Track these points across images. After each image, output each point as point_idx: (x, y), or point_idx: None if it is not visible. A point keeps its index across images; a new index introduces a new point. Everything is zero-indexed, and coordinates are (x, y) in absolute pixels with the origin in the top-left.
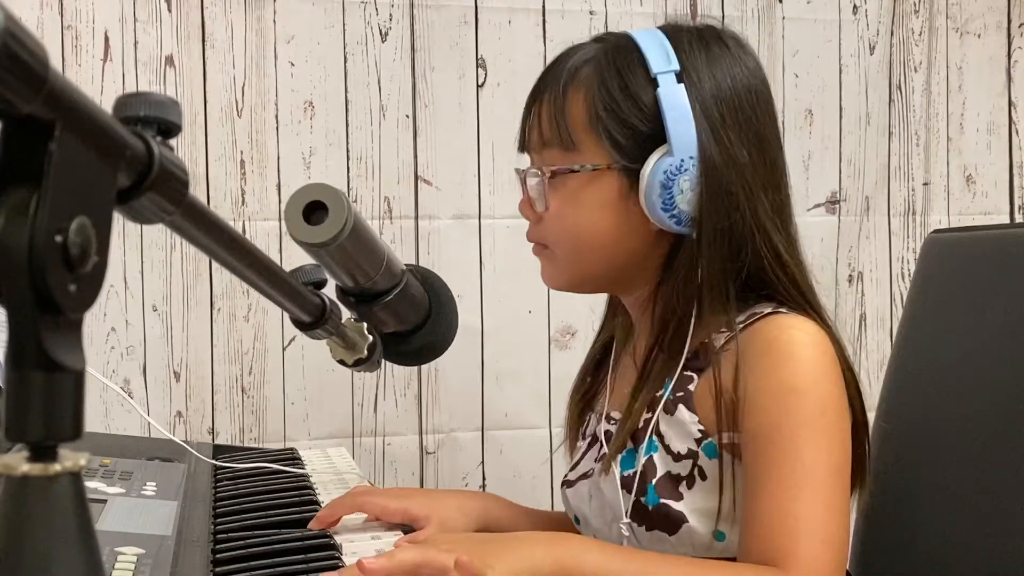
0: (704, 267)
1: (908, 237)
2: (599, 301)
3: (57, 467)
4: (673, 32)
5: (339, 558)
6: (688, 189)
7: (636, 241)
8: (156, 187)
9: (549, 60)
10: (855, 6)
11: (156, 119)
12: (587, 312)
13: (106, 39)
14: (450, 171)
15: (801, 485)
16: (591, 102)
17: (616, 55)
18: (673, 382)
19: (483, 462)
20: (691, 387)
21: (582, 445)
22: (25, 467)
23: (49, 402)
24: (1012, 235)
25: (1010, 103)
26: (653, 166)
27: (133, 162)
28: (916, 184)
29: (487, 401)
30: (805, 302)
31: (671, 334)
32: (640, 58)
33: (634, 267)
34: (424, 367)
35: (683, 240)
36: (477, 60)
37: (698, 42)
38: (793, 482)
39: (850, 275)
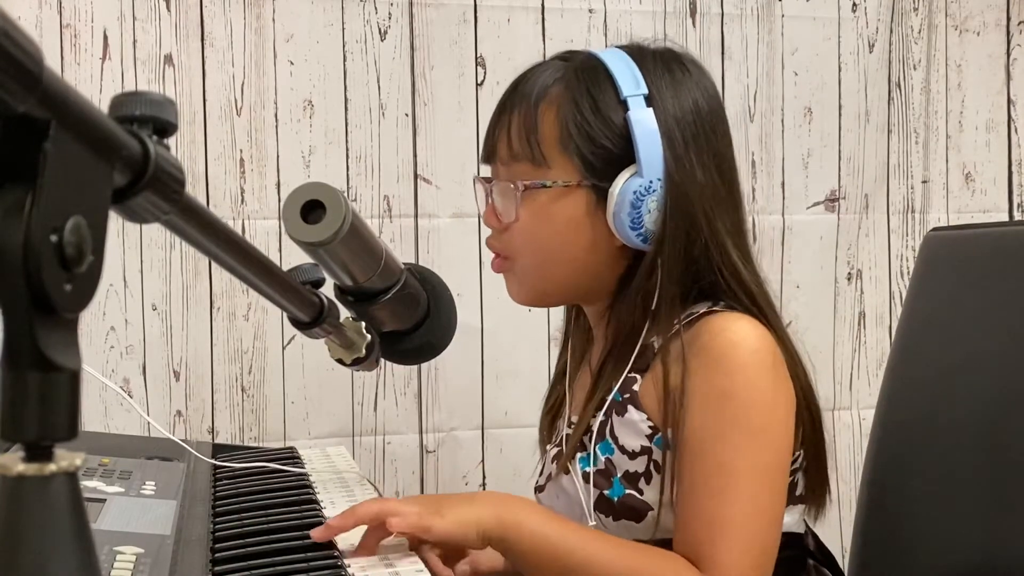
0: (662, 282)
1: (907, 235)
2: None
3: (53, 467)
4: (638, 54)
5: (338, 557)
6: (655, 209)
7: (599, 256)
8: (152, 186)
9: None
10: (854, 4)
11: (152, 118)
12: None
13: (105, 38)
14: (449, 170)
15: (729, 490)
16: (563, 120)
17: (586, 75)
18: (620, 384)
19: (483, 460)
20: (635, 387)
21: (551, 449)
22: (21, 467)
23: (45, 402)
24: (1011, 233)
25: (1009, 101)
26: (623, 186)
27: (129, 161)
28: (915, 182)
29: (487, 400)
30: (754, 304)
31: (623, 342)
32: (610, 80)
33: (595, 281)
34: (424, 366)
35: (643, 256)
36: (476, 58)
37: (662, 65)
38: (718, 486)
39: (849, 273)
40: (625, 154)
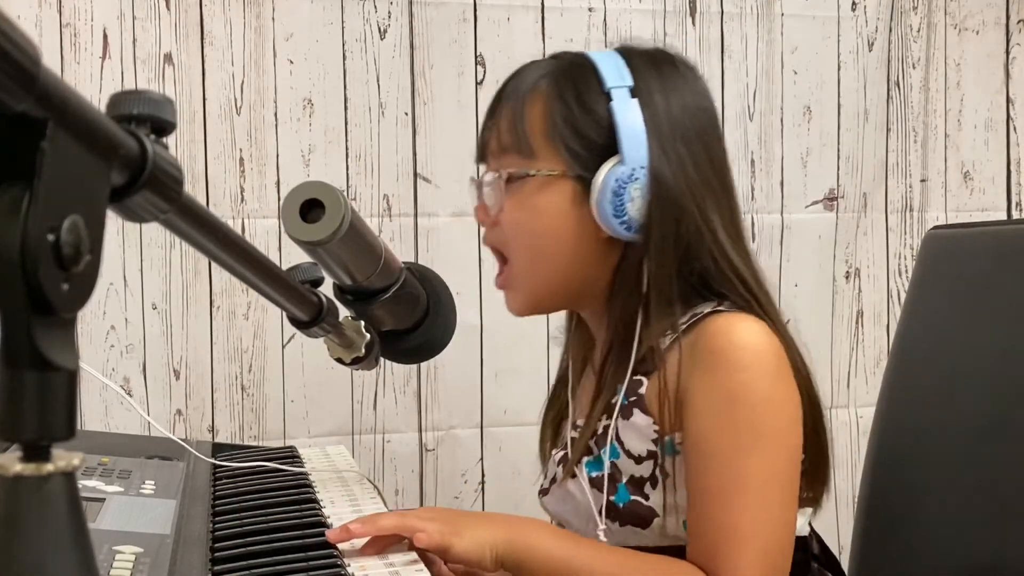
0: (651, 272)
1: (905, 233)
2: None
3: (50, 467)
4: (626, 52)
5: (338, 556)
6: (638, 197)
7: (587, 249)
8: (150, 185)
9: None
10: (854, 3)
11: (150, 117)
12: None
13: (105, 37)
14: (449, 168)
15: (736, 495)
16: (549, 113)
17: (573, 70)
18: (625, 387)
19: (482, 459)
20: (641, 390)
21: (556, 454)
22: (18, 467)
23: (42, 402)
24: (1010, 231)
25: (1008, 100)
26: (605, 175)
27: (127, 160)
28: (914, 181)
29: (486, 398)
30: (755, 301)
31: (621, 340)
32: (595, 73)
33: (587, 276)
34: (423, 364)
35: (632, 247)
36: (476, 57)
37: (651, 63)
38: (729, 492)
39: (847, 272)
40: (610, 145)
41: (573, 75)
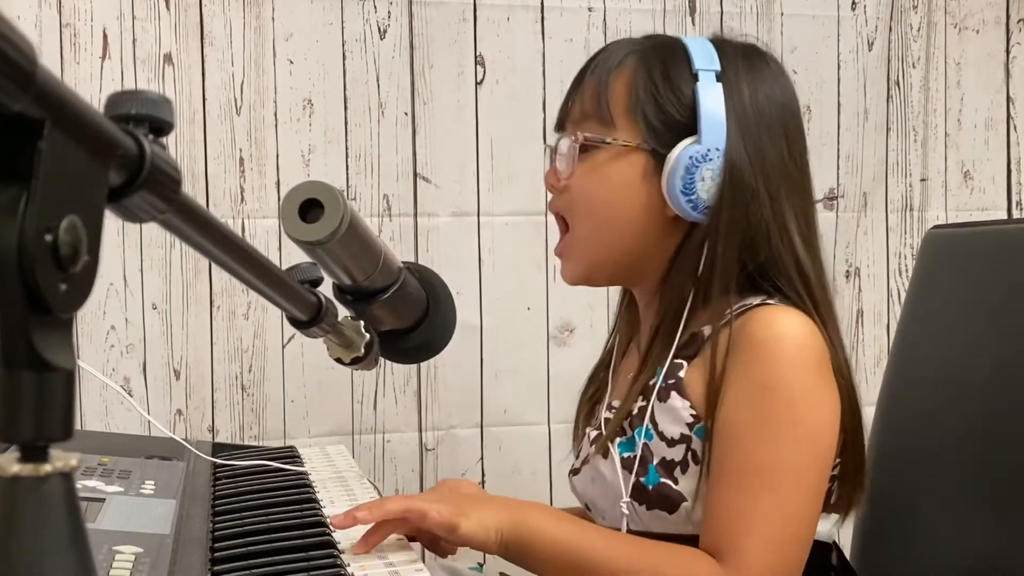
0: (715, 256)
1: (905, 233)
2: (598, 299)
3: (48, 467)
4: (719, 41)
5: (338, 556)
6: (710, 178)
7: (651, 225)
8: (148, 186)
9: (548, 57)
10: (853, 2)
11: (148, 117)
12: (586, 309)
13: (104, 37)
14: (449, 168)
15: (757, 484)
16: (634, 85)
17: (663, 49)
18: (665, 370)
19: (482, 458)
20: (681, 374)
21: (590, 433)
22: (15, 467)
23: (39, 402)
24: (1010, 231)
25: (1008, 99)
26: (680, 151)
27: (124, 161)
28: (914, 180)
29: (486, 398)
30: (810, 299)
31: (669, 320)
32: (685, 55)
33: (646, 254)
34: (423, 364)
35: (695, 230)
36: (476, 57)
37: (741, 53)
38: (749, 480)
39: (847, 271)
40: (689, 125)
41: (662, 54)
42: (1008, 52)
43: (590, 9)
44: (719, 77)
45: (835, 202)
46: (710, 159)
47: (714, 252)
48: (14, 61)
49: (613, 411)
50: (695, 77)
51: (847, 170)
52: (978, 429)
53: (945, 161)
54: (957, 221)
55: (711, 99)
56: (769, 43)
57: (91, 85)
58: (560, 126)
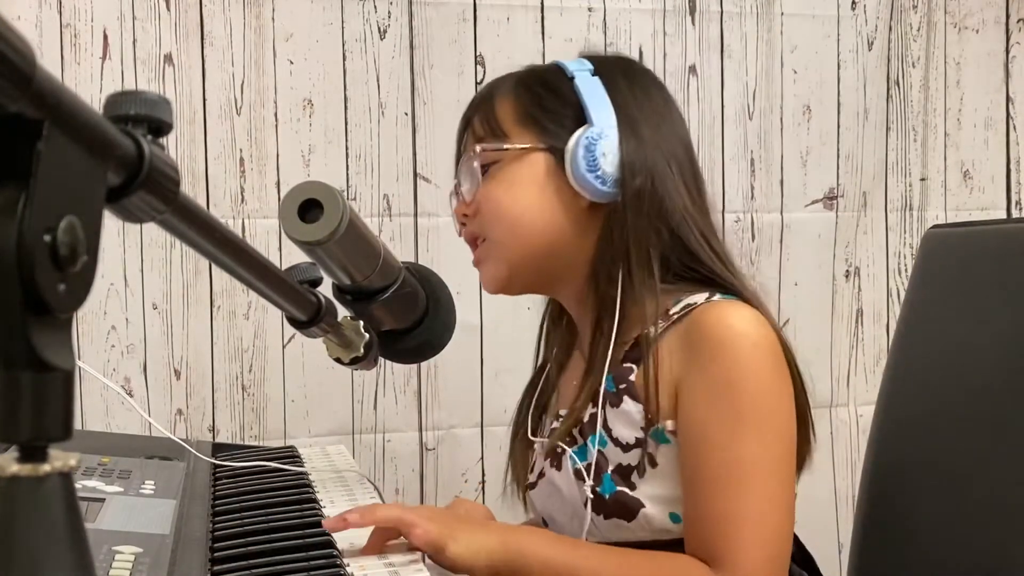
0: (633, 228)
1: (905, 232)
2: None
3: (47, 467)
4: (588, 55)
5: (338, 556)
6: (610, 152)
7: (567, 221)
8: (147, 186)
9: (548, 57)
10: (853, 2)
11: (147, 117)
12: None
13: (105, 37)
14: (449, 168)
15: (735, 483)
16: (518, 100)
17: (536, 68)
18: (615, 375)
19: (482, 458)
20: (631, 378)
21: (541, 445)
22: (15, 467)
23: (39, 402)
24: (1010, 230)
25: (1008, 98)
26: (577, 137)
27: (123, 161)
28: (913, 180)
29: (486, 397)
30: (741, 286)
31: (607, 313)
32: (559, 67)
33: (567, 252)
34: (423, 364)
35: (612, 216)
36: (476, 57)
37: (612, 61)
38: (727, 479)
39: (847, 270)
40: (578, 118)
41: (538, 71)
42: (1008, 52)
43: (590, 9)
44: (594, 73)
45: (835, 201)
46: (606, 136)
47: (631, 224)
48: (12, 62)
49: (560, 419)
50: (572, 79)
51: (847, 170)
52: (978, 428)
53: (945, 161)
54: (956, 221)
55: (591, 88)
56: (769, 43)
57: (91, 85)
58: (458, 166)
